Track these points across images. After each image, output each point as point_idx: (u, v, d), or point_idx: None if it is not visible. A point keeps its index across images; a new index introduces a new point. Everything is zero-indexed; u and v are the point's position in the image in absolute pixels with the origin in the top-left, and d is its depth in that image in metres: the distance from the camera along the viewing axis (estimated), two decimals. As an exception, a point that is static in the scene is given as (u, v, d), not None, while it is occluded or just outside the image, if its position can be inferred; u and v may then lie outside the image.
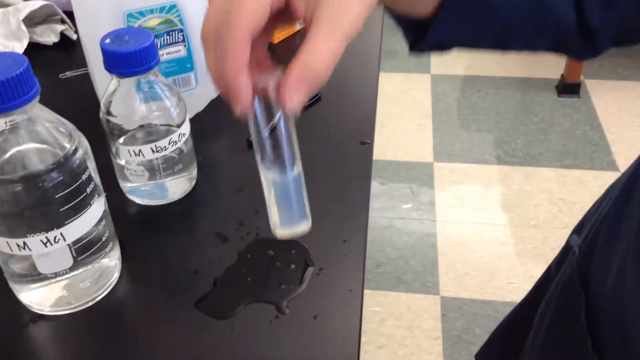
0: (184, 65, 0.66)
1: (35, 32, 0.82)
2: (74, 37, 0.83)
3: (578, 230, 0.63)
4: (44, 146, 0.43)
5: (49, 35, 0.82)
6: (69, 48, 0.83)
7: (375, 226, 1.77)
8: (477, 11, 0.39)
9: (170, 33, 0.63)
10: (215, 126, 0.70)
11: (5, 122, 0.40)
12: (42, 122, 0.43)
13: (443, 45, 0.42)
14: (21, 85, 0.39)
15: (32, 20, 0.82)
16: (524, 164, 2.00)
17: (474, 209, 1.84)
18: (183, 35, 0.64)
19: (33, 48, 0.81)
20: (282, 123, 0.34)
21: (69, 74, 0.76)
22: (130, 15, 0.60)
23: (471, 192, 1.90)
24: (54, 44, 0.83)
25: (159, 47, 0.63)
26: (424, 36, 0.41)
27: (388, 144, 2.12)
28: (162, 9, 0.61)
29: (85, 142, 0.45)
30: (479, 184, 1.94)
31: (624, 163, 1.97)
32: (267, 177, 0.36)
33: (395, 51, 2.55)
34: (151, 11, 0.61)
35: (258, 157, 0.35)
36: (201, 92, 0.69)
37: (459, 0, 0.38)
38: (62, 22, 0.83)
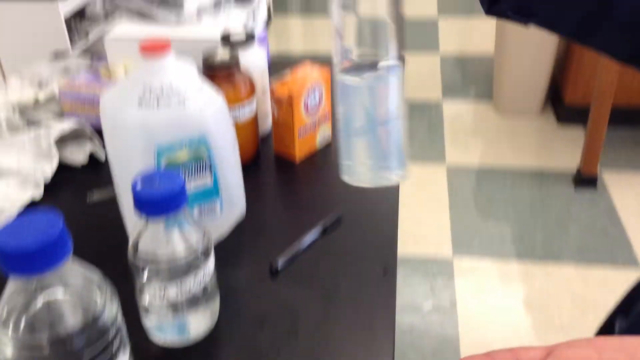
0: (210, 194, 0.67)
1: (65, 152, 0.85)
2: (103, 158, 0.85)
3: (624, 309, 0.58)
4: (74, 299, 0.43)
5: (78, 155, 0.84)
6: (97, 168, 0.85)
7: (396, 329, 1.73)
8: None
9: (198, 165, 0.64)
10: (237, 251, 0.70)
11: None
12: (72, 275, 0.43)
13: (524, 10, 0.38)
14: (55, 249, 0.39)
15: (63, 139, 0.85)
16: (544, 260, 1.97)
17: (497, 309, 1.80)
18: (210, 166, 0.65)
19: (61, 167, 0.83)
20: None
21: (96, 197, 0.78)
22: (160, 150, 0.62)
23: (493, 291, 1.87)
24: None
25: (186, 178, 0.64)
26: None
27: (407, 237, 2.11)
28: (191, 142, 0.63)
29: (114, 296, 0.45)
30: (500, 282, 1.90)
31: (646, 259, 1.94)
32: (346, 85, 0.25)
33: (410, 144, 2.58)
34: (180, 145, 0.62)
35: (338, 46, 0.25)
36: (225, 218, 0.70)
37: None
38: (91, 140, 0.86)
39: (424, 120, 2.79)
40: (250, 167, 0.85)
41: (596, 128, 2.17)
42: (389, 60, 0.25)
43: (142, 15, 0.94)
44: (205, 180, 0.66)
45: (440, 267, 1.97)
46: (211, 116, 0.63)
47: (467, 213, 2.22)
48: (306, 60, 0.87)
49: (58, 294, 0.42)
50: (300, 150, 0.86)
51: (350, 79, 0.25)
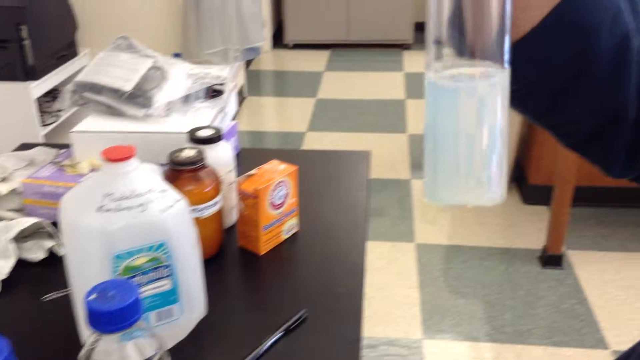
0: (168, 298, 0.66)
1: (24, 248, 0.83)
2: (62, 253, 0.84)
3: None
4: None
5: (36, 252, 0.83)
6: (56, 264, 0.83)
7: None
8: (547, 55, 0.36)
9: (157, 269, 0.64)
10: (197, 355, 0.69)
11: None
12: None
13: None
14: None
15: (21, 235, 0.84)
16: (514, 342, 1.96)
17: (466, 393, 1.76)
18: (170, 270, 0.65)
19: (20, 262, 0.82)
20: None
21: (52, 296, 0.76)
22: (118, 256, 0.61)
23: (462, 373, 1.84)
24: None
25: (144, 283, 0.64)
26: None
27: (376, 318, 2.09)
28: (150, 248, 0.63)
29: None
30: (470, 365, 1.88)
31: (613, 340, 1.94)
32: (443, 90, 0.22)
33: (380, 222, 2.60)
34: (139, 251, 0.62)
35: (433, 47, 0.22)
36: (184, 322, 0.69)
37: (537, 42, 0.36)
38: (50, 236, 0.85)
39: (393, 198, 2.83)
40: (214, 260, 0.85)
41: (559, 208, 2.22)
42: (489, 64, 0.23)
43: (111, 110, 0.95)
44: (164, 285, 0.65)
45: (410, 350, 1.94)
46: (172, 221, 0.63)
47: (436, 292, 2.22)
48: (274, 157, 0.89)
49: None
50: (265, 244, 0.86)
51: (448, 80, 0.23)
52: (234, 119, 1.12)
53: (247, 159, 1.10)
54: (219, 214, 0.84)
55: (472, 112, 0.22)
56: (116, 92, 0.94)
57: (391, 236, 2.57)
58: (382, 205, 2.78)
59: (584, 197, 2.53)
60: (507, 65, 0.23)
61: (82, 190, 0.63)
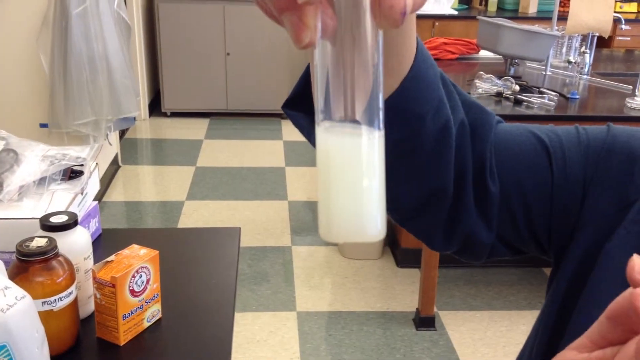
0: (11, 404, 0.61)
1: None
2: None
3: None
4: None
5: None
6: None
7: None
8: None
9: (-4, 375, 0.59)
10: None
11: None
12: None
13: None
14: None
15: None
16: (393, 407, 1.99)
17: None
18: (11, 375, 0.60)
19: None
20: (371, 46, 0.26)
21: None
22: (-51, 364, 0.56)
23: None
24: None
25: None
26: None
27: (256, 393, 2.04)
28: (-12, 353, 0.58)
29: None
30: None
31: (485, 397, 2.03)
32: (330, 141, 0.26)
33: (261, 292, 2.58)
34: (-25, 356, 0.58)
35: (320, 106, 0.26)
36: None
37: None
38: None
39: (275, 266, 2.83)
40: (69, 354, 0.80)
41: (428, 271, 2.34)
42: (372, 116, 0.26)
43: (-45, 195, 0.89)
44: (5, 390, 0.60)
45: None
46: (14, 321, 0.59)
47: (317, 361, 2.22)
48: (133, 243, 0.87)
49: None
50: (125, 334, 0.83)
51: (334, 134, 0.26)
52: (97, 198, 1.09)
53: (110, 242, 1.07)
54: (74, 305, 0.80)
55: (353, 161, 0.26)
56: (-38, 177, 0.89)
57: (272, 306, 2.56)
58: (263, 273, 2.77)
59: (452, 258, 2.68)
60: (381, 126, 0.27)
61: None
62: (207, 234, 1.20)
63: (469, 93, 2.31)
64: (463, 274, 2.80)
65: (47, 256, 0.76)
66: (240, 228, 1.18)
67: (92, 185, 1.06)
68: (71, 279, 0.78)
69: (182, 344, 0.86)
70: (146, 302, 0.85)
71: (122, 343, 0.82)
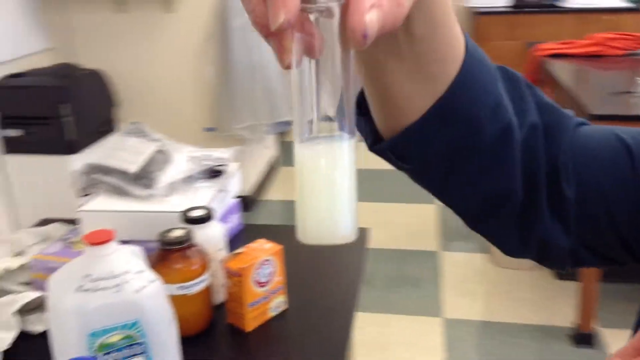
0: (143, 373, 0.70)
1: (28, 321, 0.89)
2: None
3: None
4: None
5: (38, 325, 0.88)
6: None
7: None
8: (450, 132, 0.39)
9: (131, 346, 0.68)
10: None
11: None
12: None
13: (403, 154, 0.42)
14: None
15: (27, 307, 0.89)
16: None
17: None
18: (143, 348, 0.69)
19: (22, 334, 0.87)
20: (341, 65, 0.29)
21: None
22: (93, 334, 0.66)
23: None
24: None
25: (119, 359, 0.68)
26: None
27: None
28: (124, 326, 0.67)
29: None
30: None
31: None
32: (302, 153, 0.29)
33: (406, 295, 2.58)
34: (114, 329, 0.66)
35: (297, 117, 0.29)
36: (160, 397, 0.72)
37: (438, 118, 0.39)
38: (54, 310, 0.90)
39: (424, 270, 2.80)
40: (202, 336, 0.88)
41: (588, 285, 2.16)
42: (342, 130, 0.29)
43: (118, 190, 1.02)
44: (138, 361, 0.69)
45: None
46: (146, 301, 0.67)
47: (462, 370, 2.16)
48: (268, 238, 0.93)
49: None
50: (251, 321, 0.89)
51: (308, 147, 0.29)
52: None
53: (250, 236, 1.14)
54: (207, 291, 0.88)
55: (321, 171, 0.29)
56: (123, 174, 1.02)
57: (418, 310, 2.54)
58: (410, 277, 2.76)
59: (614, 272, 2.46)
60: (351, 136, 0.29)
61: (66, 270, 0.69)
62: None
63: (629, 92, 2.10)
64: (628, 290, 2.54)
65: (183, 245, 0.84)
66: (370, 229, 1.20)
67: (234, 183, 1.15)
68: (205, 266, 0.86)
69: (304, 336, 0.90)
70: (271, 293, 0.91)
71: (249, 329, 0.89)
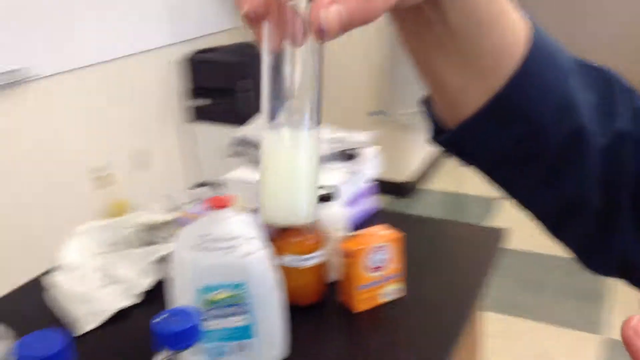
0: (246, 332, 0.76)
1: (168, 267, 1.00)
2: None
3: None
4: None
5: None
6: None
7: None
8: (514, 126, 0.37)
9: (236, 305, 0.74)
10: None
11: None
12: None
13: (461, 150, 0.40)
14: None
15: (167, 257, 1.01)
16: None
17: None
18: (247, 308, 0.74)
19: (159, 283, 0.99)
20: (310, 56, 0.30)
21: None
22: (204, 288, 0.73)
23: None
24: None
25: (223, 316, 0.74)
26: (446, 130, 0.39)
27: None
28: (231, 286, 0.73)
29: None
30: None
31: None
32: (266, 140, 0.30)
33: (563, 305, 2.41)
34: (222, 287, 0.73)
35: (265, 102, 0.30)
36: (261, 357, 0.78)
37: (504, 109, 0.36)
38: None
39: (587, 283, 2.59)
40: (312, 308, 0.92)
41: None
42: (307, 118, 0.31)
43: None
44: (242, 321, 0.75)
45: None
46: (252, 265, 0.73)
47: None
48: (402, 226, 0.95)
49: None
50: (360, 303, 0.91)
51: (273, 132, 0.31)
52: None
53: (381, 221, 1.16)
54: (321, 267, 0.91)
55: (285, 154, 0.31)
56: (265, 148, 1.09)
57: (574, 324, 2.36)
58: (569, 287, 2.57)
59: None
60: (311, 127, 0.31)
61: (191, 228, 0.77)
62: (468, 229, 1.21)
63: None
64: None
65: (301, 221, 0.89)
66: (505, 229, 1.15)
67: (370, 167, 1.17)
68: (320, 243, 0.90)
69: (413, 326, 0.90)
70: (385, 279, 0.92)
71: (357, 310, 0.91)
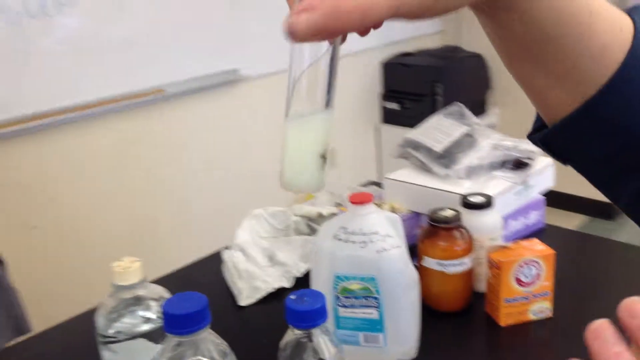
0: (375, 326, 0.78)
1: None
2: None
3: None
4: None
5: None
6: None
7: None
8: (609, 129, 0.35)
9: (367, 298, 0.77)
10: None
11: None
12: (207, 343, 0.62)
13: (555, 150, 0.39)
14: (196, 320, 0.58)
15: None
16: None
17: None
18: (377, 302, 0.77)
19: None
20: (326, 55, 0.35)
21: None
22: (339, 277, 0.77)
23: None
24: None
25: (355, 306, 0.78)
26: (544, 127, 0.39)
27: None
28: (362, 278, 0.76)
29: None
30: None
31: None
32: (286, 124, 0.35)
33: None
34: (355, 278, 0.76)
35: (288, 99, 0.35)
36: (388, 352, 0.80)
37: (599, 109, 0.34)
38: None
39: None
40: (457, 315, 0.91)
41: None
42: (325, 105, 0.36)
43: (423, 165, 1.11)
44: (371, 314, 0.77)
45: None
46: (384, 262, 0.75)
47: None
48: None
49: (195, 351, 0.61)
50: (505, 317, 0.88)
51: (288, 119, 0.36)
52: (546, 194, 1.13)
53: (548, 237, 1.10)
54: (467, 274, 0.90)
55: (300, 133, 0.36)
56: (429, 151, 1.10)
57: None
58: None
59: None
60: (328, 108, 0.36)
61: (334, 221, 0.81)
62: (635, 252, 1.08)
63: None
64: None
65: (450, 225, 0.88)
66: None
67: (542, 180, 1.11)
68: (468, 250, 0.88)
69: (561, 348, 0.84)
70: (533, 296, 0.87)
71: (502, 324, 0.88)
